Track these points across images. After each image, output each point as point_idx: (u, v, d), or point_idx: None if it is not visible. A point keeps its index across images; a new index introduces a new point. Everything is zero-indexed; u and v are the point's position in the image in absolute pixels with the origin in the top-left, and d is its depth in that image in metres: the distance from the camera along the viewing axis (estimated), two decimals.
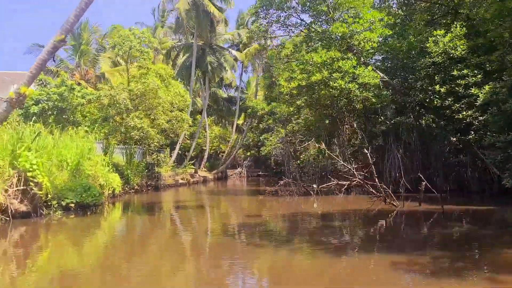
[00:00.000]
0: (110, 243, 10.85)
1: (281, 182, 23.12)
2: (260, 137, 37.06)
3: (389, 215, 13.95)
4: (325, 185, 15.53)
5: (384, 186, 14.68)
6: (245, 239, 10.85)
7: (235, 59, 40.14)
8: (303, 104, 19.82)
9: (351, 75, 18.90)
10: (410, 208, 15.00)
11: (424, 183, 14.10)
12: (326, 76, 18.50)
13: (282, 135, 35.30)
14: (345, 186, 16.27)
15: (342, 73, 18.74)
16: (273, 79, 37.99)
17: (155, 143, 23.85)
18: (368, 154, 15.18)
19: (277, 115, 37.06)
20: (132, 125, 21.37)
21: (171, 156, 34.17)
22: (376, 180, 14.58)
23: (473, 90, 18.27)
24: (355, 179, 14.73)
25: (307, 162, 27.67)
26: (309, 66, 19.26)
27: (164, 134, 25.75)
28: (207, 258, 8.90)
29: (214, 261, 8.55)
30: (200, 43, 37.70)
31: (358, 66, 19.40)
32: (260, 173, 48.93)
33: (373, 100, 19.62)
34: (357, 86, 18.95)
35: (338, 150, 24.43)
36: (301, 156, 32.03)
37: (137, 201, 21.05)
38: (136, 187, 23.76)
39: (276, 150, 33.79)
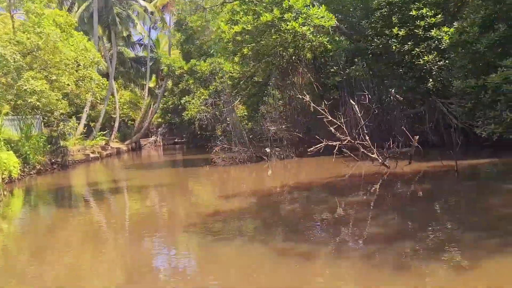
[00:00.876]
0: (12, 245, 8.23)
1: (216, 148, 19.90)
2: (181, 100, 32.93)
3: (384, 178, 11.49)
4: (313, 147, 12.60)
5: (370, 146, 12.12)
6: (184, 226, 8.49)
7: (145, 10, 34.64)
8: (250, 53, 16.42)
9: (303, 16, 15.90)
10: (404, 168, 12.15)
11: (417, 137, 11.88)
12: (277, 17, 15.24)
13: (205, 97, 31.70)
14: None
15: (294, 14, 15.62)
16: (191, 32, 33.87)
17: (60, 111, 18.81)
18: (356, 108, 12.44)
19: (198, 74, 33.22)
20: (27, 89, 16.16)
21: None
22: (367, 139, 11.95)
23: (433, 32, 16.64)
24: (346, 138, 12.02)
25: (232, 125, 24.68)
26: (254, 6, 15.84)
27: (67, 100, 20.64)
28: (130, 252, 7.15)
29: (138, 254, 7.00)
30: None
31: (310, 6, 16.45)
32: (177, 140, 44.96)
33: (328, 46, 16.92)
34: (311, 30, 16.04)
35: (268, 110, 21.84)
36: (228, 119, 28.95)
37: (41, 185, 16.69)
38: (38, 167, 18.90)
39: (200, 113, 30.11)
